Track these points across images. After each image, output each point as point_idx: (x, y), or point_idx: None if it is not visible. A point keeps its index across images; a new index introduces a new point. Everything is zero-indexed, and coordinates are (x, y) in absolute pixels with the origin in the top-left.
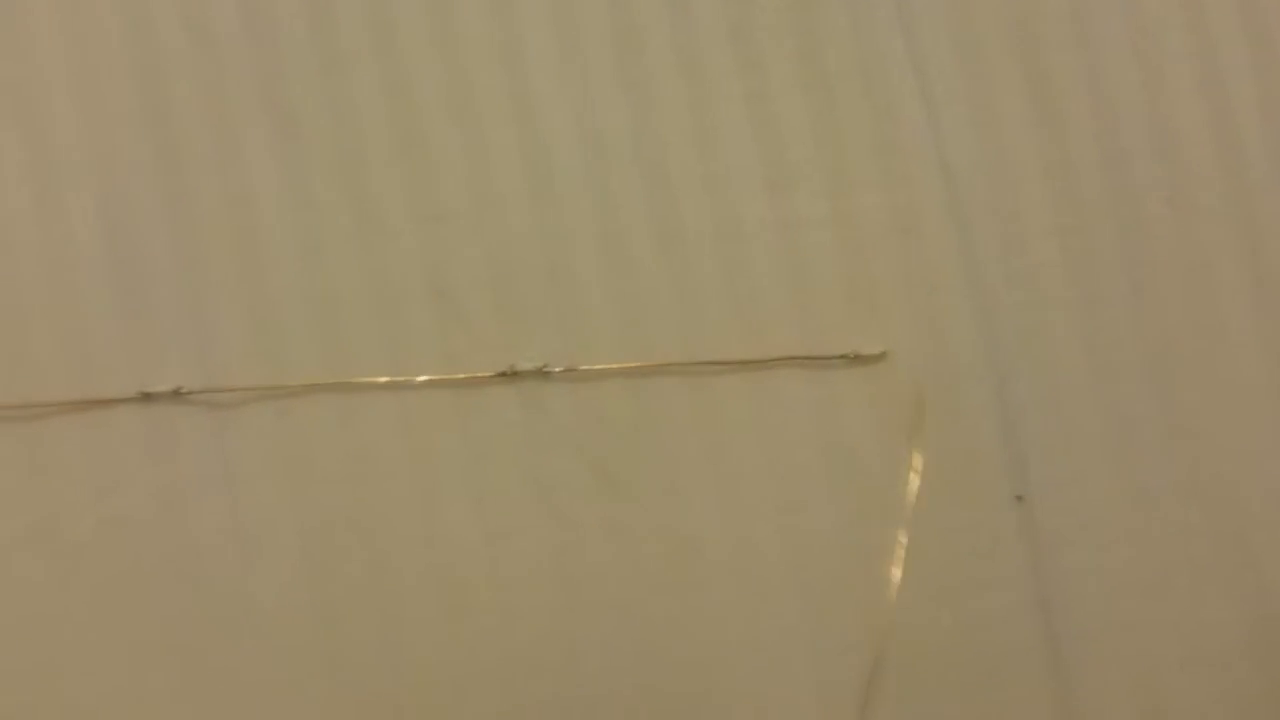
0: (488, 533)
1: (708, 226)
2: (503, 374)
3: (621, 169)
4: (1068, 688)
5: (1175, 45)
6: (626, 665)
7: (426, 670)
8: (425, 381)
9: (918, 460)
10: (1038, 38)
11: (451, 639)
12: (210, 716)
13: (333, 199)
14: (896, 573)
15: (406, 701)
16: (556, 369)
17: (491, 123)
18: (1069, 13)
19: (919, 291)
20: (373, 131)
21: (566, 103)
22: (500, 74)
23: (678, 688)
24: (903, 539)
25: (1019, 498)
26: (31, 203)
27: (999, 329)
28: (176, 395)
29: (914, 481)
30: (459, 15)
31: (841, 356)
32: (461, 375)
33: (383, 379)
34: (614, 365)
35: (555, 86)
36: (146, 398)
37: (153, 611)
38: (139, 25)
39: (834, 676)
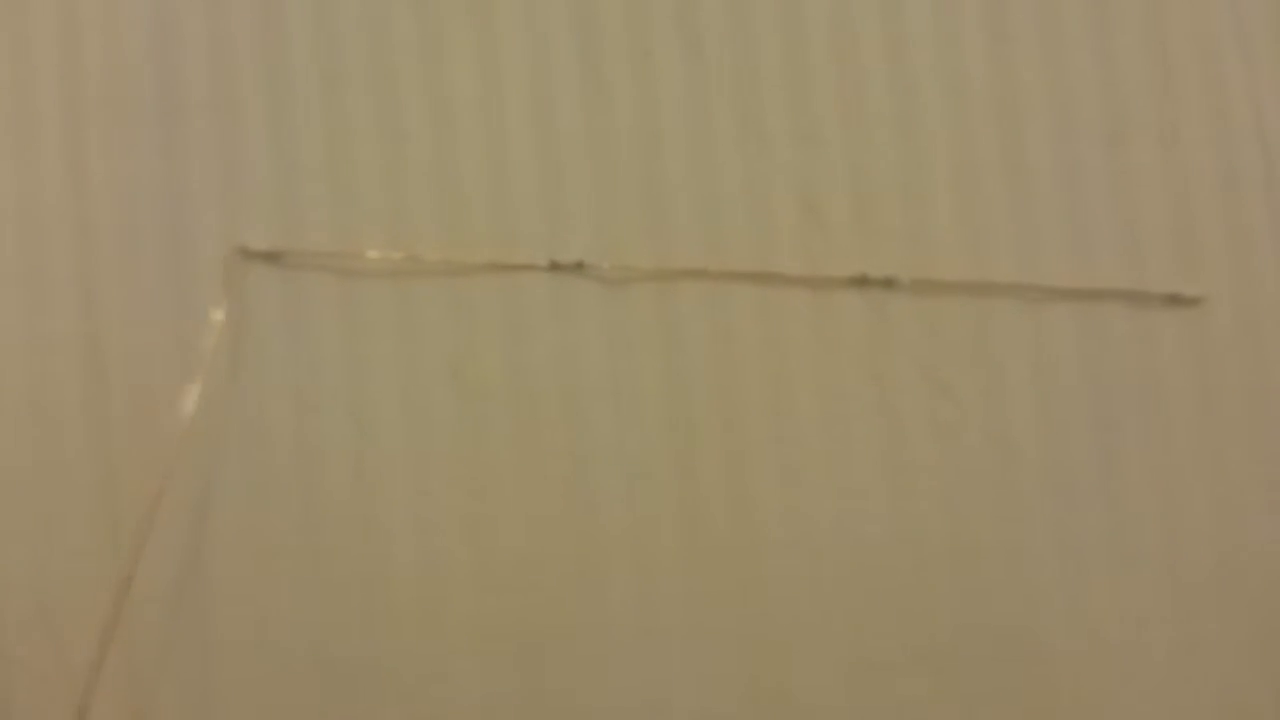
0: (826, 416)
1: (1048, 165)
2: (854, 280)
3: (978, 109)
4: None
5: None
6: (942, 546)
7: (764, 525)
8: (787, 278)
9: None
10: None
11: (787, 501)
12: (571, 523)
13: (725, 111)
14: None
15: (748, 549)
16: (903, 279)
17: (867, 59)
18: None
19: (1236, 245)
20: (766, 60)
21: (934, 46)
22: (877, 17)
23: (985, 572)
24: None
25: None
26: (476, 88)
27: None
28: (579, 267)
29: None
30: None
31: (1163, 295)
32: (817, 275)
33: (752, 270)
34: (954, 279)
35: (927, 29)
36: (554, 266)
37: (536, 445)
38: None
39: (1127, 572)
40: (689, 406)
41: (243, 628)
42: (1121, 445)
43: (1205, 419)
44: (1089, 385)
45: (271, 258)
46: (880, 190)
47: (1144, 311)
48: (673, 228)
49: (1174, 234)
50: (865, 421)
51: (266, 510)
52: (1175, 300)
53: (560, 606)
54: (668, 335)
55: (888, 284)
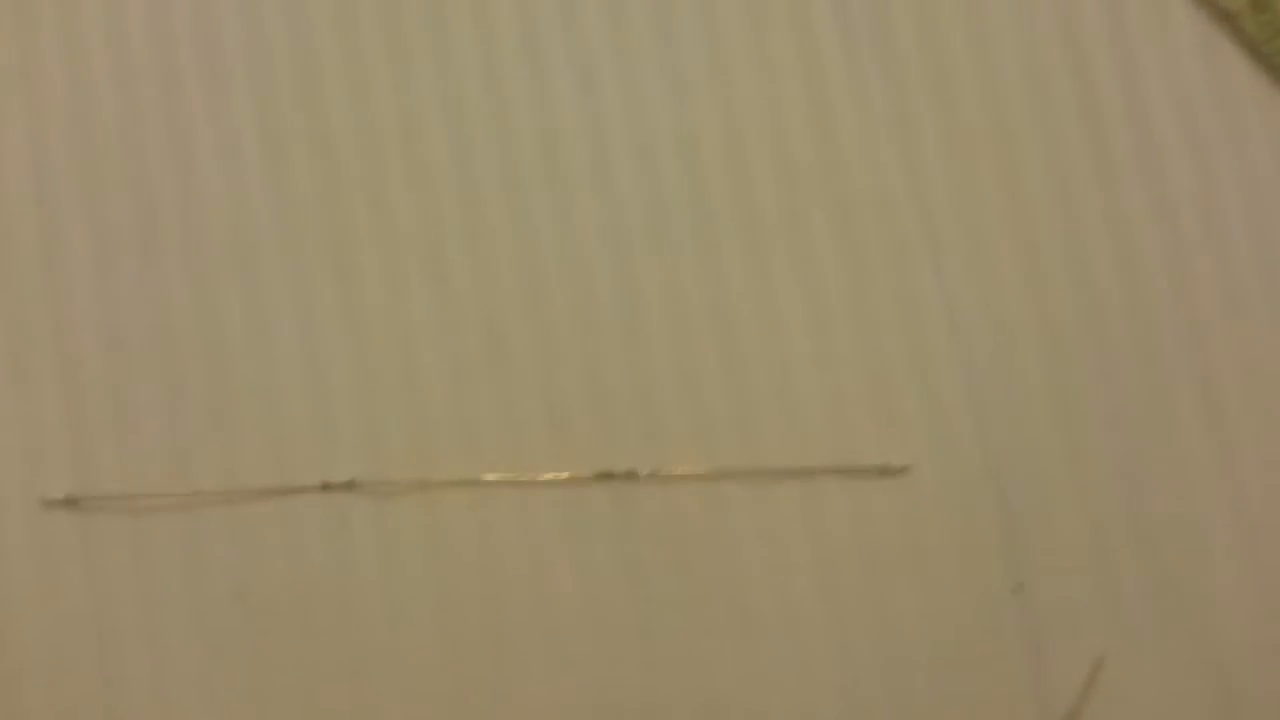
0: (586, 598)
1: (763, 361)
2: (600, 475)
3: (696, 317)
4: None
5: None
6: (691, 706)
7: (528, 708)
8: (542, 480)
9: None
10: (1032, 220)
11: (549, 683)
12: None
13: (474, 337)
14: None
15: None
16: (643, 472)
17: (596, 280)
18: (1060, 203)
19: (933, 418)
20: (507, 288)
21: (656, 265)
22: (605, 243)
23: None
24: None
25: (1017, 587)
26: (248, 335)
27: (997, 449)
28: (349, 485)
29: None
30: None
31: (872, 467)
32: (568, 475)
33: (507, 477)
34: (686, 471)
35: (648, 248)
36: (326, 486)
37: (316, 655)
38: None
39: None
40: (457, 605)
41: None
42: (844, 604)
43: (918, 576)
44: (813, 552)
45: (69, 504)
46: (616, 396)
47: (857, 482)
48: (434, 444)
49: (878, 412)
50: (618, 600)
51: None
52: (884, 470)
53: None
54: (434, 542)
55: (629, 477)
